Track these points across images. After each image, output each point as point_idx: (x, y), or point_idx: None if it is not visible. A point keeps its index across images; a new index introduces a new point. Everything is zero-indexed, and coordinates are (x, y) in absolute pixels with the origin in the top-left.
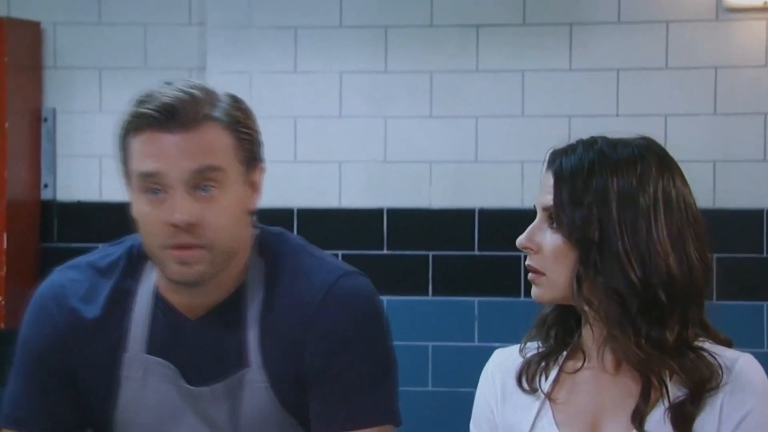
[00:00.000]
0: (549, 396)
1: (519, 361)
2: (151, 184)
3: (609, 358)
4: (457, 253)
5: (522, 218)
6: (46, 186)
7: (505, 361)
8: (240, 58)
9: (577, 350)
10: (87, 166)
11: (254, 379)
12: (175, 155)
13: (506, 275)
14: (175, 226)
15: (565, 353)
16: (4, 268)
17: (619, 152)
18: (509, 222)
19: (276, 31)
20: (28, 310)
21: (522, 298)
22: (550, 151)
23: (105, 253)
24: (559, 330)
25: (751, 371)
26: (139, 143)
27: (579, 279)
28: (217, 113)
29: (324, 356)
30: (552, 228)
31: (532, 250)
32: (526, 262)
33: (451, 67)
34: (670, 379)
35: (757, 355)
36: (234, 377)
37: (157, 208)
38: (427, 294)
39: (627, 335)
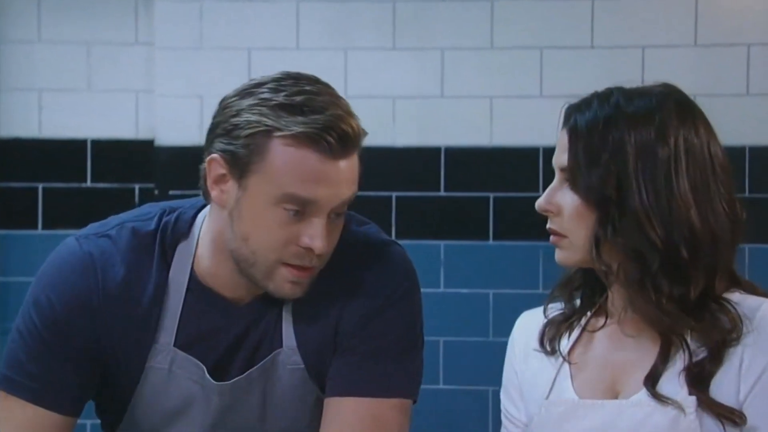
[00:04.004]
0: (567, 356)
1: (543, 322)
2: (297, 206)
3: (630, 319)
4: (421, 194)
5: (491, 157)
6: None
7: (528, 323)
8: None
9: (601, 311)
10: (25, 99)
11: (288, 360)
12: (336, 184)
13: (474, 217)
14: (308, 250)
15: (589, 314)
16: None
17: (635, 104)
18: (477, 161)
19: None
20: (47, 272)
21: (490, 242)
22: (565, 107)
23: (134, 225)
24: (585, 290)
25: None
26: (300, 164)
27: (597, 241)
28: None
29: (356, 321)
30: (570, 189)
31: (552, 212)
32: (548, 225)
33: None
34: (690, 338)
35: None
36: (267, 359)
37: (292, 226)
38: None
39: (647, 296)
